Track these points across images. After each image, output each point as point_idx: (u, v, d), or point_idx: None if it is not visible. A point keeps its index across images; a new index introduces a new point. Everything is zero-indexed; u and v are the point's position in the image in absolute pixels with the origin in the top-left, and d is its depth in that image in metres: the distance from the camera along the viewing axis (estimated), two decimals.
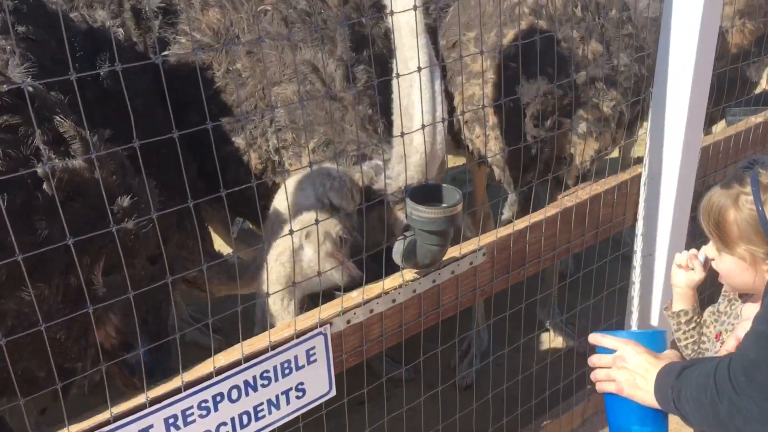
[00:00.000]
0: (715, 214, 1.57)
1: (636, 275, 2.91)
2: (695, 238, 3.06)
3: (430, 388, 2.65)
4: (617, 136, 2.63)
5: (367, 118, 2.36)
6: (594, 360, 1.59)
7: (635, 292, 2.95)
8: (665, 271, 2.81)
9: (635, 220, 2.80)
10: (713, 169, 2.90)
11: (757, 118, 3.12)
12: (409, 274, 2.17)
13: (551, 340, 3.65)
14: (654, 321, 2.92)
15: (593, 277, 2.89)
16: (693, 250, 1.83)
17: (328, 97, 2.31)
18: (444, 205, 1.97)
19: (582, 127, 2.55)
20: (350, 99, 2.32)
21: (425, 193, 1.99)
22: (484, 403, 2.76)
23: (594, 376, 1.59)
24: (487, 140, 2.51)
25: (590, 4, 2.46)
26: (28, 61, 2.02)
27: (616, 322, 3.09)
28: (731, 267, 1.60)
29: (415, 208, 1.93)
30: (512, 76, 2.38)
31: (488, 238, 2.33)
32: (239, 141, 2.43)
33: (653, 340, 1.56)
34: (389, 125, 2.30)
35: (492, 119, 2.46)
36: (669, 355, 1.51)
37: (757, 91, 3.75)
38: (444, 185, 2.02)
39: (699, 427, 1.41)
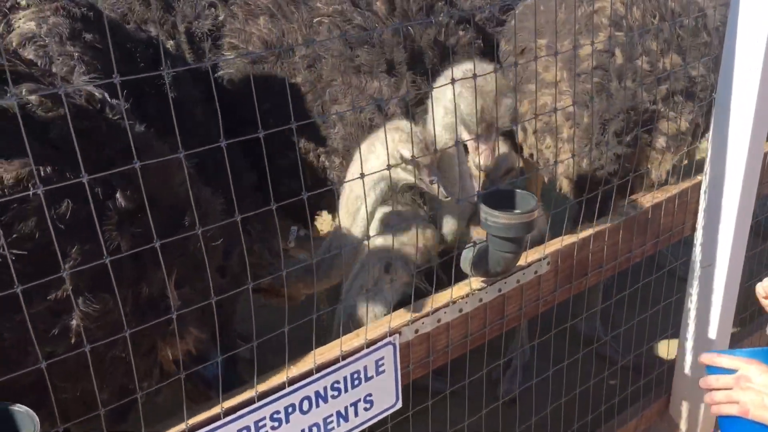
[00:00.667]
0: None
1: (694, 287, 2.84)
2: (753, 247, 3.00)
3: (474, 402, 2.58)
4: (692, 148, 2.57)
5: None
6: (711, 381, 1.52)
7: (692, 303, 2.88)
8: (725, 281, 2.74)
9: (694, 229, 2.74)
10: None
11: None
12: (476, 283, 2.10)
13: (596, 356, 3.57)
14: (712, 334, 2.84)
15: (638, 293, 2.82)
16: None
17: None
18: (519, 210, 1.91)
19: (661, 141, 2.49)
20: None
21: (499, 198, 1.94)
22: (529, 418, 2.70)
23: (711, 398, 1.52)
24: (559, 152, 2.45)
25: (666, 13, 2.40)
26: (94, 70, 1.99)
27: (671, 334, 3.01)
28: None
29: (491, 213, 1.87)
30: (590, 90, 2.33)
31: (553, 246, 2.28)
32: (292, 155, 2.39)
33: None
34: None
35: (567, 132, 2.40)
36: None
37: None
38: (518, 190, 1.97)
39: None
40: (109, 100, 1.68)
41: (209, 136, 1.80)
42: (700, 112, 2.44)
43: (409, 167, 2.05)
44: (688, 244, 3.21)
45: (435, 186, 2.07)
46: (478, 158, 2.16)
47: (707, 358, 1.54)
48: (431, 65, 2.46)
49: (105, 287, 1.43)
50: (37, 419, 1.26)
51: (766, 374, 1.42)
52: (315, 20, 2.44)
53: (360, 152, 2.05)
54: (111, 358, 1.51)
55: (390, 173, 1.93)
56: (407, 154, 2.02)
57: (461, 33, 2.59)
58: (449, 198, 2.10)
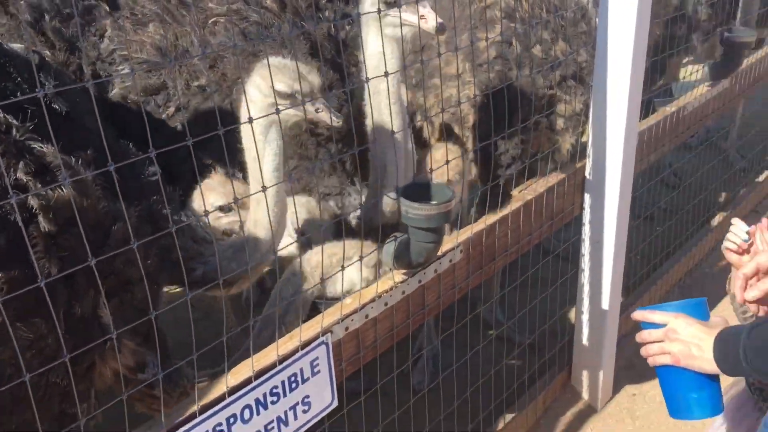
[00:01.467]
0: None
1: (585, 262, 3.04)
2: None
3: (387, 396, 2.62)
4: (585, 128, 2.75)
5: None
6: (644, 336, 1.64)
7: (585, 278, 3.08)
8: (613, 255, 2.96)
9: (582, 208, 2.93)
10: (648, 152, 3.09)
11: (679, 104, 3.37)
12: (398, 276, 2.15)
13: (501, 341, 3.72)
14: (605, 305, 3.05)
15: (529, 279, 2.98)
16: (742, 228, 1.83)
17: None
18: (437, 201, 1.97)
19: (560, 123, 2.65)
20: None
21: (416, 191, 2.00)
22: (447, 406, 2.78)
23: (646, 351, 1.64)
24: (465, 141, 2.54)
25: (550, 6, 2.57)
26: None
27: (565, 312, 3.21)
28: None
29: (411, 206, 1.93)
30: (492, 79, 2.45)
31: (464, 234, 2.37)
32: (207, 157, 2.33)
33: (698, 310, 1.63)
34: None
35: (472, 119, 2.50)
36: (718, 323, 1.59)
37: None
38: (433, 182, 2.03)
39: None
40: (13, 121, 1.59)
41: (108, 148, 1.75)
42: (589, 95, 2.63)
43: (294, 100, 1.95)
44: (568, 228, 3.44)
45: (322, 113, 1.97)
46: (428, 23, 2.07)
47: (640, 315, 1.67)
48: (330, 56, 2.49)
49: (36, 313, 1.36)
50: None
51: (692, 326, 1.56)
52: (210, 21, 2.41)
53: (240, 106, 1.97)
54: (47, 384, 1.43)
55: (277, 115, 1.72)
56: (284, 88, 1.93)
57: (348, 27, 2.65)
58: (339, 121, 1.98)
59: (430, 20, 2.05)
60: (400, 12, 2.04)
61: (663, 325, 1.60)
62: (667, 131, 3.29)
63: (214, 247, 2.05)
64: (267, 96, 1.90)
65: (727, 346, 1.48)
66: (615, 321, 3.17)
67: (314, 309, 2.22)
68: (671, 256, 4.06)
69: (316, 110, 1.94)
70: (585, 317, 3.14)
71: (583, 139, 2.85)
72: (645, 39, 2.63)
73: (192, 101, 2.36)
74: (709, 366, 1.52)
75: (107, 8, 2.57)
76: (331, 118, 1.96)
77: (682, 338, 1.56)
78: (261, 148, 1.96)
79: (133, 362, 1.64)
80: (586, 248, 3.01)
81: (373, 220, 2.32)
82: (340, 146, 2.39)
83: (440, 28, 2.05)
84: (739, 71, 3.77)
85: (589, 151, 2.81)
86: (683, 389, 1.62)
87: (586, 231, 2.98)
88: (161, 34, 2.35)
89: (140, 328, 1.61)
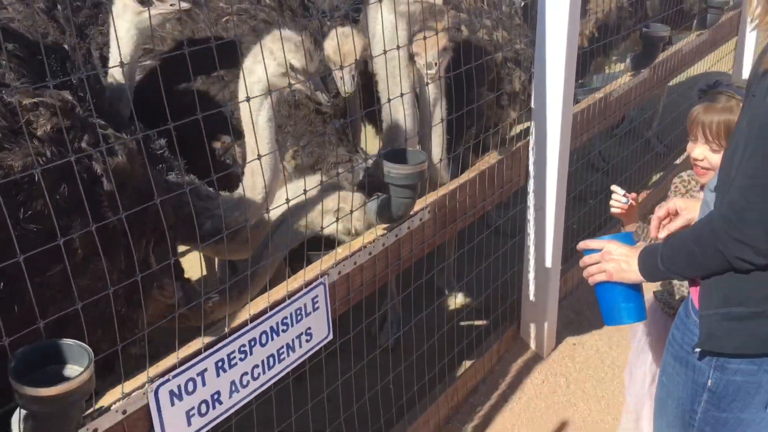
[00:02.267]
0: (725, 124, 2.24)
1: (531, 227, 3.50)
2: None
3: (359, 356, 2.98)
4: (526, 106, 3.21)
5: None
6: (585, 259, 2.06)
7: (531, 241, 3.54)
8: (554, 220, 3.42)
9: (527, 179, 3.39)
10: (582, 131, 3.58)
11: (606, 90, 3.89)
12: (380, 230, 2.55)
13: (455, 303, 4.15)
14: (548, 263, 3.51)
15: (474, 249, 3.40)
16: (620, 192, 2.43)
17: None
18: (413, 163, 2.38)
19: (504, 99, 3.09)
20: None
21: (395, 155, 2.40)
22: (410, 362, 3.19)
23: (587, 272, 2.05)
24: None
25: (490, 1, 3.02)
26: (22, 77, 2.18)
27: (508, 278, 3.66)
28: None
29: (393, 166, 2.33)
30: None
31: (431, 197, 2.77)
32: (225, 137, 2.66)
33: (626, 238, 2.07)
34: None
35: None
36: (642, 245, 2.03)
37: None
38: (409, 149, 2.44)
39: (690, 275, 1.89)
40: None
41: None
42: (527, 77, 3.08)
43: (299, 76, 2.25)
44: (507, 206, 3.90)
45: (318, 92, 2.33)
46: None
47: (582, 244, 2.09)
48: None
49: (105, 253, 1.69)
50: (91, 351, 1.51)
51: (621, 248, 1.99)
52: (223, 19, 2.75)
53: (243, 68, 2.25)
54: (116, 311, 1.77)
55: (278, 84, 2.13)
56: (298, 64, 2.24)
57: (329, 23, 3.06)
58: (328, 102, 2.39)
59: None
60: None
61: (599, 251, 2.03)
62: (596, 114, 3.79)
63: (219, 201, 2.39)
64: (280, 65, 2.23)
65: (648, 258, 1.92)
66: (557, 279, 3.64)
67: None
68: (602, 228, 4.58)
69: (314, 88, 2.31)
70: (531, 276, 3.59)
71: (526, 124, 3.30)
72: (576, 36, 3.11)
73: (211, 89, 2.67)
74: (636, 276, 1.96)
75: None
76: (322, 98, 2.37)
77: (614, 257, 1.99)
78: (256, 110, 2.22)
79: (170, 294, 2.00)
80: (531, 215, 3.47)
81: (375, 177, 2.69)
82: (342, 120, 2.79)
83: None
84: (656, 63, 4.32)
85: (532, 129, 3.27)
86: (616, 300, 2.06)
87: (531, 199, 3.43)
88: (179, 30, 2.68)
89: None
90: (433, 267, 3.94)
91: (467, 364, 3.47)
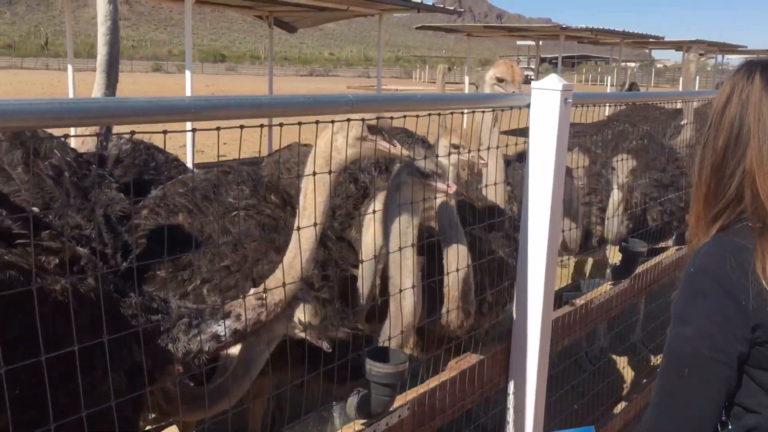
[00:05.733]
0: None
1: (510, 428, 3.55)
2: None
3: None
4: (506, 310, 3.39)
5: None
6: None
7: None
8: (533, 423, 3.49)
9: (507, 380, 3.50)
10: (563, 336, 3.74)
11: (587, 298, 4.09)
12: (358, 425, 2.64)
13: None
14: None
15: None
16: None
17: None
18: (393, 363, 2.52)
19: (485, 306, 3.29)
20: None
21: (378, 354, 2.55)
22: None
23: None
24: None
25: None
26: None
27: None
28: None
29: (374, 365, 2.47)
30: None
31: (411, 394, 2.88)
32: None
33: None
34: None
35: None
36: None
37: None
38: (391, 349, 2.60)
39: None
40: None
41: None
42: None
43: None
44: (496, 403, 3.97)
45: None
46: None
47: None
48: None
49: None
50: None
51: None
52: (232, 213, 3.02)
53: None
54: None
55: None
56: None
57: None
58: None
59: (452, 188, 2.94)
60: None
61: None
62: (578, 320, 3.97)
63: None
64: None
65: None
66: None
67: None
68: None
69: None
70: None
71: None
72: (556, 246, 3.36)
73: (216, 276, 2.87)
74: None
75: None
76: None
77: None
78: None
79: None
80: (510, 416, 3.54)
81: None
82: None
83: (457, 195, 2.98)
84: (636, 274, 4.56)
85: (513, 331, 3.43)
86: None
87: (510, 401, 3.52)
88: (189, 222, 2.95)
89: None
90: None
91: None
